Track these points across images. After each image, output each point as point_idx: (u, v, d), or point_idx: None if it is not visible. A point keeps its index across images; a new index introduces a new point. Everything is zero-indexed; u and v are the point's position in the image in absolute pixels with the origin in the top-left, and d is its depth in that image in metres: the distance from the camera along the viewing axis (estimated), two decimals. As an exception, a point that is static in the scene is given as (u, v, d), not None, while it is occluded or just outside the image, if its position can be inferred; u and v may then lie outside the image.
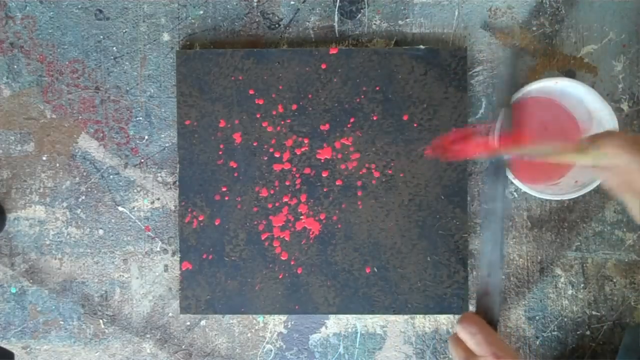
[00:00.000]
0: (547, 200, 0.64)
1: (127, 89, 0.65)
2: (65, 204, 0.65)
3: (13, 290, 0.65)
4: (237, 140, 0.62)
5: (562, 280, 0.64)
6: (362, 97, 0.62)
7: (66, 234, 0.65)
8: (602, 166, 0.41)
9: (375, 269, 0.62)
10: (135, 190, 0.65)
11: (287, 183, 0.62)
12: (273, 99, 0.62)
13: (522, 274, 0.64)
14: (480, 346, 0.38)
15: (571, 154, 0.45)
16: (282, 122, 0.62)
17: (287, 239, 0.62)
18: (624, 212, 0.64)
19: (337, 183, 0.62)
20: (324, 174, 0.62)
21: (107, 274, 0.65)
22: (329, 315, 0.64)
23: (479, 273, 0.41)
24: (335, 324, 0.65)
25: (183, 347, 0.65)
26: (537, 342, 0.64)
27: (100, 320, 0.65)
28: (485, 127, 0.47)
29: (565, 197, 0.58)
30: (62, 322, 0.65)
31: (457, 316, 0.64)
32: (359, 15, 0.65)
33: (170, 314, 0.65)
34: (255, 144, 0.62)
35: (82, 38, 0.65)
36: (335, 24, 0.65)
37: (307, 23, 0.65)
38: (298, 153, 0.62)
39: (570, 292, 0.64)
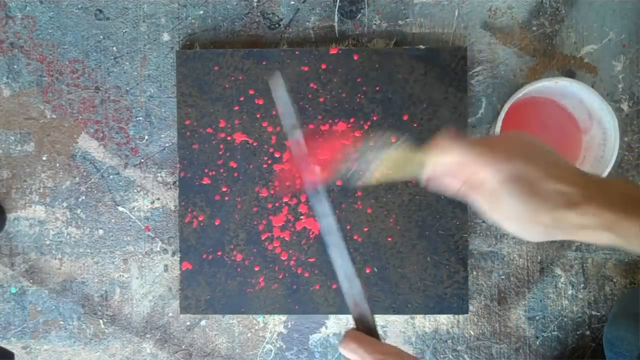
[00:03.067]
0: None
1: (127, 89, 0.65)
2: (65, 204, 0.65)
3: (13, 290, 0.65)
4: (237, 140, 0.62)
5: (562, 280, 0.64)
6: (362, 97, 0.62)
7: (66, 234, 0.65)
8: (442, 172, 0.39)
9: (375, 269, 0.62)
10: (135, 190, 0.65)
11: (287, 183, 0.62)
12: (273, 99, 0.62)
13: (522, 274, 0.64)
14: (364, 359, 0.39)
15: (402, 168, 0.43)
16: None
17: (287, 239, 0.62)
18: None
19: (337, 183, 0.62)
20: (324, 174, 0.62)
21: (107, 274, 0.65)
22: (329, 315, 0.64)
23: (341, 289, 0.41)
24: (335, 324, 0.65)
25: (183, 347, 0.65)
26: (537, 342, 0.64)
27: (100, 320, 0.65)
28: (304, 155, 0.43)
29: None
30: (62, 322, 0.65)
31: (457, 316, 0.64)
32: (359, 15, 0.65)
33: (170, 314, 0.65)
34: (255, 144, 0.62)
35: (82, 38, 0.65)
36: (335, 24, 0.65)
37: (307, 23, 0.65)
38: (298, 153, 0.62)
39: (570, 292, 0.64)
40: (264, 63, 0.62)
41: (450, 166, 0.38)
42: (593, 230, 0.34)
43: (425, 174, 0.40)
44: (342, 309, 0.62)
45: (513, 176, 0.35)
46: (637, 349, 0.50)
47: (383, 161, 0.42)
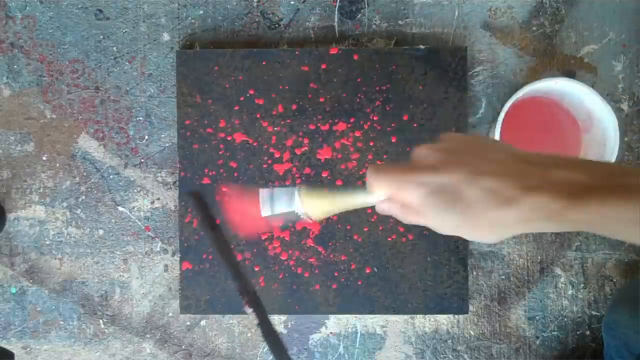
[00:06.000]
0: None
1: (127, 89, 0.65)
2: (65, 204, 0.65)
3: (13, 290, 0.65)
4: (237, 140, 0.62)
5: (562, 280, 0.64)
6: (362, 97, 0.62)
7: (66, 234, 0.65)
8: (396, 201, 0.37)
9: (375, 269, 0.62)
10: (135, 190, 0.65)
11: (287, 183, 0.62)
12: (273, 98, 0.62)
13: (522, 274, 0.64)
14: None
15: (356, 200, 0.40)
16: (282, 122, 0.62)
17: (287, 239, 0.62)
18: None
19: (337, 183, 0.62)
20: (324, 174, 0.62)
21: (107, 274, 0.65)
22: (329, 315, 0.64)
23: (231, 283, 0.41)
24: (335, 324, 0.65)
25: (183, 347, 0.65)
26: (537, 342, 0.64)
27: (100, 320, 0.65)
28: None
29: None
30: (62, 322, 0.65)
31: (457, 316, 0.64)
32: (359, 15, 0.65)
33: (170, 314, 0.65)
34: (255, 144, 0.62)
35: (82, 38, 0.65)
36: (335, 24, 0.65)
37: (307, 23, 0.65)
38: (298, 153, 0.62)
39: (570, 292, 0.64)
40: (263, 63, 0.62)
41: (384, 197, 0.37)
42: (541, 222, 0.32)
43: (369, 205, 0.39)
44: (342, 309, 0.62)
45: (432, 190, 0.33)
46: (634, 332, 0.50)
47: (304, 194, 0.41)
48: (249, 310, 0.38)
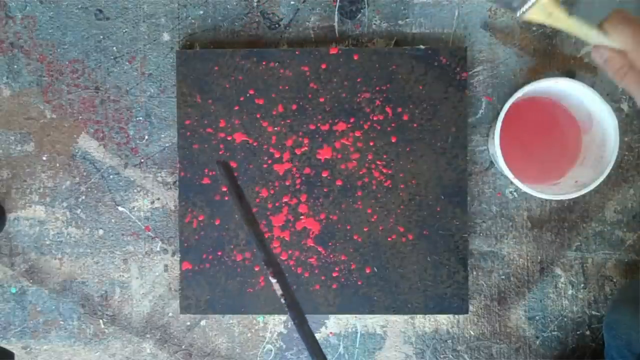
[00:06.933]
0: (547, 200, 0.64)
1: (127, 89, 0.65)
2: (65, 204, 0.65)
3: (13, 290, 0.65)
4: (237, 140, 0.62)
5: (562, 280, 0.64)
6: (362, 97, 0.62)
7: (66, 234, 0.65)
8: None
9: (375, 269, 0.62)
10: (135, 190, 0.65)
11: (287, 183, 0.62)
12: (273, 98, 0.62)
13: (522, 274, 0.64)
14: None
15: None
16: (282, 122, 0.62)
17: (287, 239, 0.62)
18: (624, 212, 0.64)
19: (337, 183, 0.62)
20: (324, 174, 0.62)
21: (107, 274, 0.65)
22: (329, 315, 0.64)
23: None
24: (335, 324, 0.65)
25: (183, 347, 0.65)
26: (537, 342, 0.64)
27: (100, 320, 0.65)
28: None
29: (565, 197, 0.58)
30: (62, 322, 0.65)
31: (457, 316, 0.64)
32: (359, 15, 0.65)
33: (170, 314, 0.65)
34: (255, 144, 0.62)
35: (82, 38, 0.65)
36: (335, 24, 0.65)
37: (307, 23, 0.65)
38: (298, 153, 0.62)
39: (570, 292, 0.64)
40: (263, 63, 0.62)
41: (620, 46, 0.36)
42: None
43: (593, 43, 0.38)
44: (342, 309, 0.62)
45: None
46: (635, 332, 0.50)
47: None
48: (274, 280, 0.39)
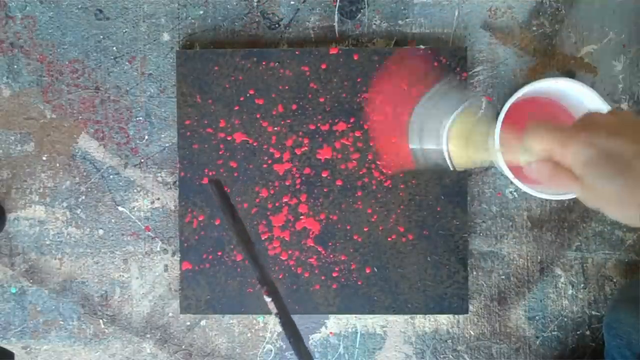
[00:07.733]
0: (547, 200, 0.64)
1: (127, 89, 0.65)
2: (65, 204, 0.65)
3: (13, 290, 0.65)
4: (237, 140, 0.62)
5: (562, 280, 0.64)
6: (362, 97, 0.62)
7: (66, 234, 0.65)
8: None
9: (375, 269, 0.62)
10: (135, 190, 0.65)
11: (287, 183, 0.62)
12: (273, 98, 0.62)
13: (522, 274, 0.64)
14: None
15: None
16: (282, 122, 0.62)
17: (287, 239, 0.62)
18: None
19: (337, 183, 0.62)
20: (324, 174, 0.62)
21: (107, 274, 0.65)
22: (329, 315, 0.64)
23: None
24: (335, 324, 0.65)
25: (183, 347, 0.65)
26: (537, 342, 0.64)
27: (100, 320, 0.65)
28: None
29: (565, 197, 0.58)
30: (62, 322, 0.65)
31: (457, 316, 0.64)
32: (359, 15, 0.65)
33: (170, 314, 0.65)
34: (255, 144, 0.62)
35: (82, 38, 0.65)
36: (335, 24, 0.65)
37: (307, 23, 0.65)
38: (298, 153, 0.62)
39: (570, 292, 0.64)
40: (263, 63, 0.62)
41: (539, 155, 0.35)
42: None
43: (522, 163, 0.37)
44: (342, 309, 0.62)
45: (602, 153, 0.31)
46: (636, 332, 0.50)
47: (453, 133, 0.39)
48: (268, 299, 0.38)
